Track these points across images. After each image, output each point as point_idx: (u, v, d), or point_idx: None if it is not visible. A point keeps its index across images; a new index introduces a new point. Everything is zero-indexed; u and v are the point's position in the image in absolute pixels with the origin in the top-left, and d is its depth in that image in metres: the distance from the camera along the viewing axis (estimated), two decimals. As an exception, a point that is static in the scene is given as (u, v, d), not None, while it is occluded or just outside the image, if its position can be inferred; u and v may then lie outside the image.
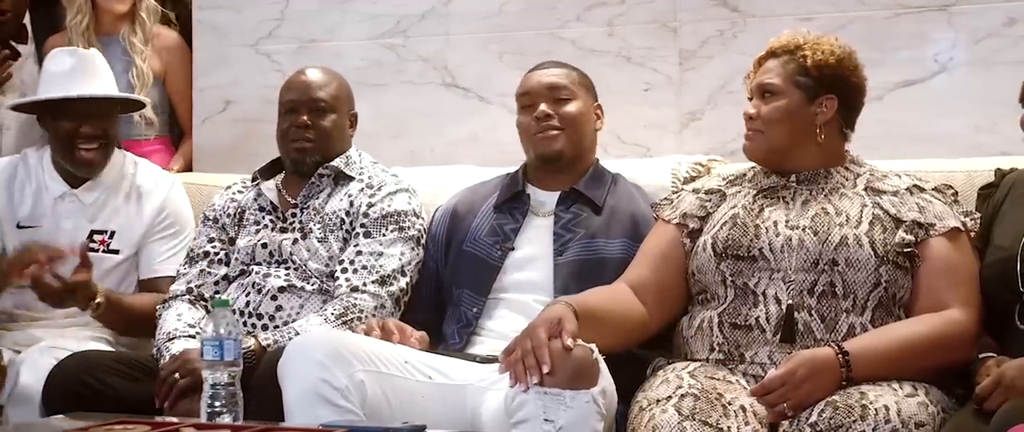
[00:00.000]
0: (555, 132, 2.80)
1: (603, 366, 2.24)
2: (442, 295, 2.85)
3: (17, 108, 3.24)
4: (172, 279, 3.04)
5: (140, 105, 3.37)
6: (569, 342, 2.17)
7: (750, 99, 2.60)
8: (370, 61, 3.61)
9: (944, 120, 3.07)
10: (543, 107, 2.81)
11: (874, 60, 3.09)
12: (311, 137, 2.96)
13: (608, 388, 2.25)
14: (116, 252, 3.11)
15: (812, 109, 2.53)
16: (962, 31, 3.08)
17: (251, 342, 2.68)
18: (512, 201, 2.84)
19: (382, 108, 3.53)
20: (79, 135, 3.05)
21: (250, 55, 3.75)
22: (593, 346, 2.25)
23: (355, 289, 2.79)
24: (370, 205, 2.90)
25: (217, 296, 2.92)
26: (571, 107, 2.82)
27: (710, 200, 2.62)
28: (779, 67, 2.56)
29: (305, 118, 2.96)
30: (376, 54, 3.61)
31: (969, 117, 3.06)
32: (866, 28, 3.14)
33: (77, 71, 3.09)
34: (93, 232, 3.10)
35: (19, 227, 3.11)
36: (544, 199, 2.83)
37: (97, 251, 3.06)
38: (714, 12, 3.28)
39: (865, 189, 2.51)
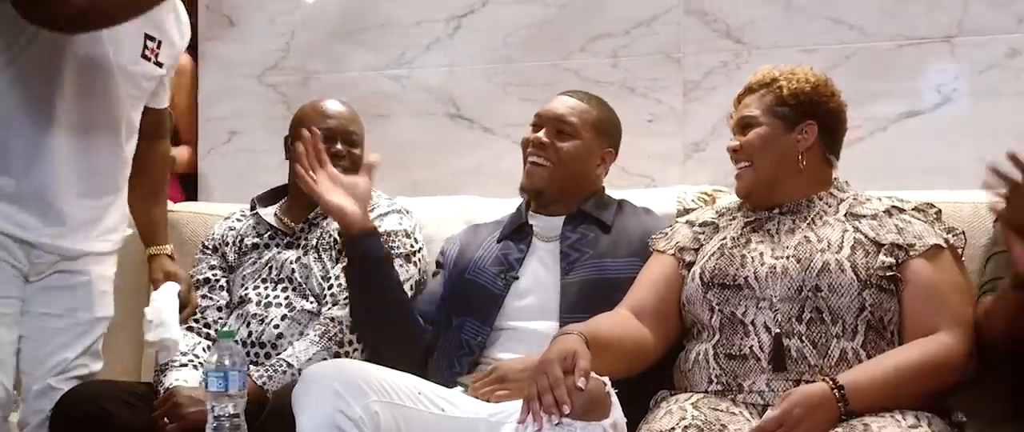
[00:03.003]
0: (540, 165, 2.80)
1: (615, 398, 2.24)
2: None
3: None
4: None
5: None
6: (581, 382, 2.16)
7: (733, 136, 2.62)
8: (375, 92, 3.63)
9: (947, 151, 3.08)
10: (540, 134, 2.81)
11: (877, 91, 3.12)
12: (347, 166, 3.00)
13: (619, 421, 2.24)
14: (161, 65, 2.86)
15: (793, 136, 2.55)
16: (965, 62, 3.09)
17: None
18: (516, 233, 2.85)
19: (387, 138, 3.54)
20: None
21: (255, 86, 3.77)
22: (606, 379, 2.24)
23: (337, 303, 2.83)
24: None
25: (217, 324, 2.95)
26: (567, 144, 2.81)
27: (704, 232, 2.64)
28: (757, 100, 2.59)
29: (341, 147, 3.00)
30: (381, 85, 3.63)
31: (973, 148, 3.07)
32: (869, 59, 3.15)
33: None
34: (147, 36, 2.80)
35: None
36: (550, 224, 2.82)
37: (149, 60, 2.81)
38: (718, 44, 3.30)
39: (846, 215, 2.52)
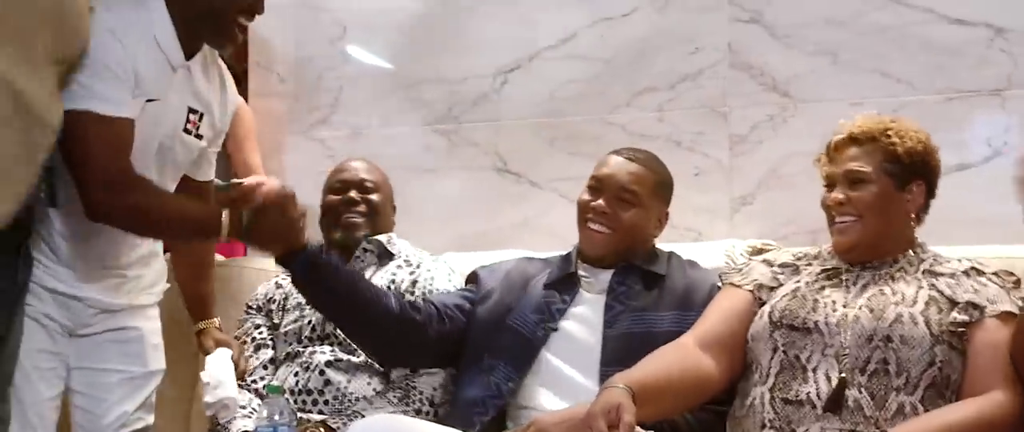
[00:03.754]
0: (601, 233, 2.76)
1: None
2: (462, 340, 2.82)
3: None
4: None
5: None
6: None
7: (828, 187, 2.57)
8: (422, 146, 3.65)
9: (998, 204, 3.04)
10: (602, 202, 2.77)
11: (926, 145, 3.10)
12: (363, 211, 3.08)
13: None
14: (201, 137, 2.72)
15: (903, 195, 2.52)
16: (1015, 115, 3.08)
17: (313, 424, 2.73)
18: (563, 281, 2.82)
19: (434, 193, 3.56)
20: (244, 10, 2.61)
21: (303, 142, 3.80)
22: (650, 433, 2.23)
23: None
24: (413, 282, 2.96)
25: (264, 381, 2.97)
26: (630, 213, 2.77)
27: (783, 272, 2.61)
28: (865, 156, 2.53)
29: (354, 194, 3.08)
30: (428, 140, 3.65)
31: (1024, 202, 3.04)
32: (918, 112, 3.12)
33: None
34: (190, 110, 2.67)
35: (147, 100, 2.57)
36: (600, 276, 2.80)
37: (190, 133, 2.69)
38: (764, 97, 3.29)
39: (923, 273, 2.50)
